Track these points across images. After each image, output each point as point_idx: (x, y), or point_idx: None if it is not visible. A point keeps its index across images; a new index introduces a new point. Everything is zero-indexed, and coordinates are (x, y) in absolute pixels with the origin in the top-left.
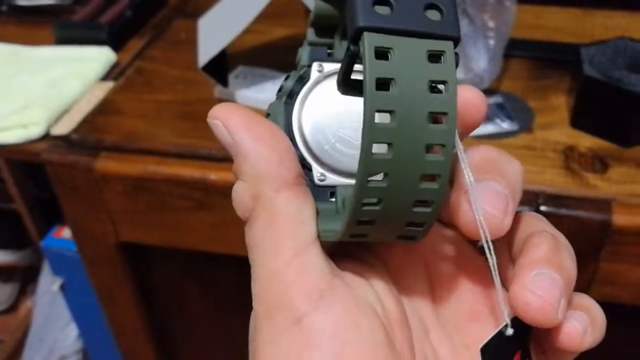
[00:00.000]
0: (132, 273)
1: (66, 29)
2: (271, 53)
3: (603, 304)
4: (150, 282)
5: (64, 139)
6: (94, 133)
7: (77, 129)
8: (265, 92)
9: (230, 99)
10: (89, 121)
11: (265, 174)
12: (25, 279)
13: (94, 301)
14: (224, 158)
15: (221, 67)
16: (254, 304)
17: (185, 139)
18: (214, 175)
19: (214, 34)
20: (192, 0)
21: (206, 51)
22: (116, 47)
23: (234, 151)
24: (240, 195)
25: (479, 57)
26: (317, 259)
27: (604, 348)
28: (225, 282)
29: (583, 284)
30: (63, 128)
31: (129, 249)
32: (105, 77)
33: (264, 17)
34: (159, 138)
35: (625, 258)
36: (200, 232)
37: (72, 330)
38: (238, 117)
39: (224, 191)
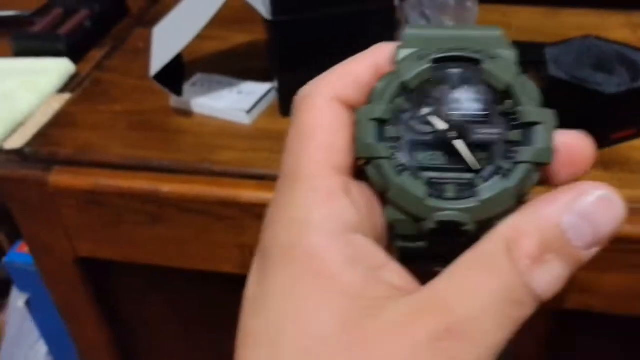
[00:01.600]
0: (93, 288)
1: (24, 41)
2: (231, 60)
3: (576, 313)
4: (113, 296)
5: (17, 152)
6: (47, 146)
7: (30, 143)
8: (222, 100)
9: (186, 108)
10: (43, 134)
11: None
12: (0, 293)
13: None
14: (176, 169)
15: (176, 75)
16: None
17: (137, 150)
18: (166, 187)
19: (166, 42)
20: (153, 8)
21: (158, 60)
22: (76, 58)
23: None
24: None
25: None
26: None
27: (574, 356)
28: (189, 295)
29: (559, 292)
30: (16, 142)
31: (88, 264)
32: (64, 89)
33: (225, 23)
34: (111, 150)
35: (595, 265)
36: (155, 247)
37: (42, 347)
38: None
39: (178, 204)
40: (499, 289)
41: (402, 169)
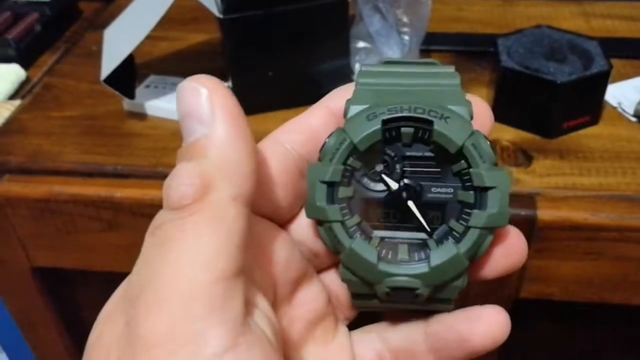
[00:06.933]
0: (51, 298)
1: None
2: (186, 60)
3: (535, 302)
4: (72, 305)
5: None
6: None
7: None
8: (175, 102)
9: (140, 110)
10: None
11: (233, 173)
12: None
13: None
14: (131, 174)
15: (128, 77)
16: (132, 309)
17: (90, 155)
18: (120, 193)
19: (117, 45)
20: (107, 10)
21: (109, 63)
22: (26, 63)
23: (206, 130)
24: (192, 177)
25: (392, 54)
26: (241, 291)
27: (537, 343)
28: None
29: (513, 283)
30: None
31: (45, 274)
32: (14, 96)
33: (180, 22)
34: (64, 156)
35: (553, 254)
36: (112, 253)
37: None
38: (229, 101)
39: (133, 210)
40: None
41: (354, 231)
